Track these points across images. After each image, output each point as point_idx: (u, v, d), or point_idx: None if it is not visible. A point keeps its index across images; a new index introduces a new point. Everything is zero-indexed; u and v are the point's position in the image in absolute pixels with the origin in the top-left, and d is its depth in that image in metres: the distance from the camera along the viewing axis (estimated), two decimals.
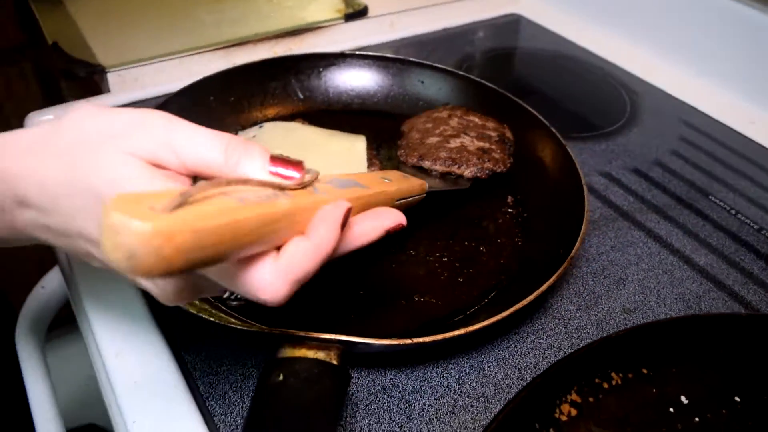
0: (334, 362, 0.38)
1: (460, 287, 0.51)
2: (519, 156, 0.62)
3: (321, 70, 0.71)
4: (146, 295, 0.49)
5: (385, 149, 0.65)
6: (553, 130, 0.60)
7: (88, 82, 0.76)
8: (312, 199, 0.32)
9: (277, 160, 0.33)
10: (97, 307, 0.49)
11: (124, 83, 0.74)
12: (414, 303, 0.49)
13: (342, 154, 0.61)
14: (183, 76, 0.66)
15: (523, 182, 0.61)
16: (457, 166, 0.58)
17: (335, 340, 0.39)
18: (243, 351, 0.46)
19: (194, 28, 0.83)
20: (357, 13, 0.88)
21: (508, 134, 0.63)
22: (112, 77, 0.73)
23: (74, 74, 0.70)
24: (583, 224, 0.50)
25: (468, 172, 0.58)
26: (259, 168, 0.33)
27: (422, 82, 0.71)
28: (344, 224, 0.32)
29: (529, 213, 0.58)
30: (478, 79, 0.68)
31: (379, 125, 0.59)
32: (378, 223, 0.36)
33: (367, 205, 0.38)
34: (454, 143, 0.60)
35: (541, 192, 0.59)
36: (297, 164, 0.33)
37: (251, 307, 0.47)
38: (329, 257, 0.32)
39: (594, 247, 0.57)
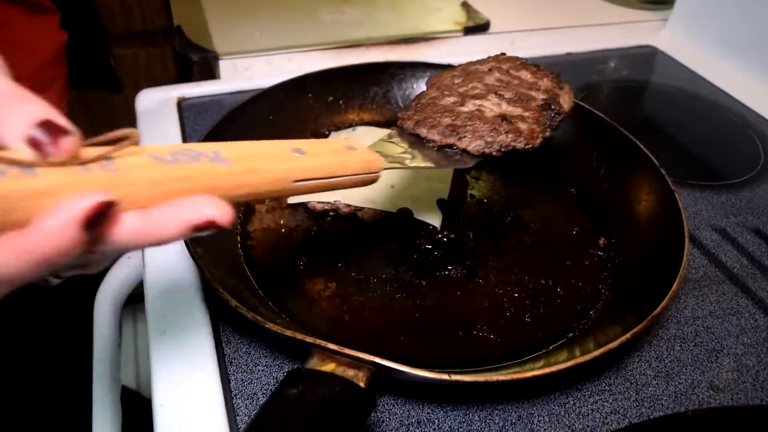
0: (361, 384, 0.35)
1: (524, 328, 0.47)
2: (620, 197, 0.56)
3: (426, 80, 0.68)
4: (203, 284, 0.48)
5: (476, 169, 0.62)
6: (662, 172, 0.54)
7: (208, 67, 0.78)
8: (64, 182, 0.26)
9: (45, 125, 0.26)
10: (158, 284, 0.49)
11: (235, 71, 0.75)
12: (471, 336, 0.46)
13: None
14: (291, 71, 0.66)
15: (619, 224, 0.55)
16: (457, 137, 0.44)
17: (367, 360, 0.36)
18: (282, 356, 0.44)
19: (312, 26, 0.84)
20: (477, 28, 0.85)
21: (563, 99, 0.49)
22: (224, 64, 0.75)
23: (188, 58, 0.73)
24: (676, 281, 0.44)
25: (472, 146, 0.43)
26: (18, 132, 0.26)
27: None
28: (92, 223, 0.25)
29: (620, 259, 0.52)
30: (583, 105, 0.62)
31: None
32: (178, 213, 0.28)
33: (209, 188, 0.29)
34: (470, 106, 0.46)
35: (637, 238, 0.53)
36: (61, 133, 0.26)
37: (309, 312, 0.46)
38: (56, 259, 0.25)
39: (689, 309, 0.50)
